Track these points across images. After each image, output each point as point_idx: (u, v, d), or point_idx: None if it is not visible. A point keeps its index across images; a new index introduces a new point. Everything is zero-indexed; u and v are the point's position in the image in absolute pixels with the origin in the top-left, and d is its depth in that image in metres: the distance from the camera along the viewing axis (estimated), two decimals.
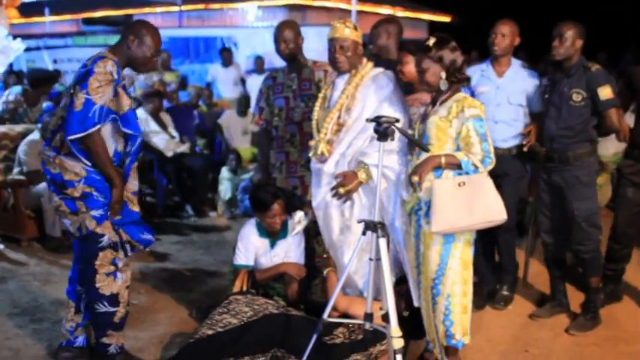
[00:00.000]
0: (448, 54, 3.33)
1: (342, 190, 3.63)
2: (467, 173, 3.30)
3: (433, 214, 3.26)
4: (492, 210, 3.29)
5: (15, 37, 5.79)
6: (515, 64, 4.44)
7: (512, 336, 4.17)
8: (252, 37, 11.58)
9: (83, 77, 3.31)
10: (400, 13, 16.37)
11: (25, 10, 5.80)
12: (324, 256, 3.98)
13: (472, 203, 3.25)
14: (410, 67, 3.87)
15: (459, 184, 3.28)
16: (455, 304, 3.36)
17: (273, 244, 4.17)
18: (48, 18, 14.70)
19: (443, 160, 3.30)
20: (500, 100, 4.34)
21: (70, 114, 3.31)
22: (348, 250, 3.70)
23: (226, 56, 10.55)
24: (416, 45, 3.94)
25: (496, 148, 3.61)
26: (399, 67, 3.92)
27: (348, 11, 11.65)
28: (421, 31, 16.96)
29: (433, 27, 17.16)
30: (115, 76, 3.31)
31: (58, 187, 3.42)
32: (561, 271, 4.47)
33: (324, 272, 3.92)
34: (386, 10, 15.75)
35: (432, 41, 3.34)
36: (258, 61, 10.20)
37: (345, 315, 3.66)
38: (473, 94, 4.32)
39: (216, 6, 14.98)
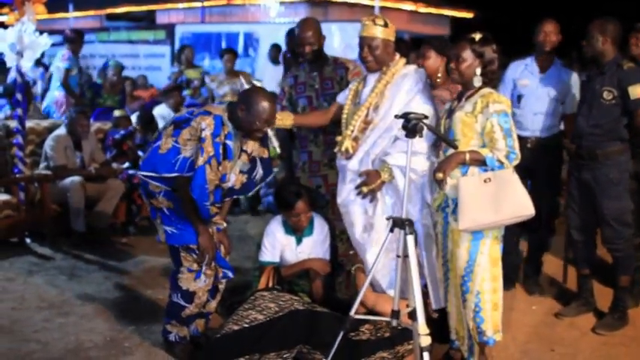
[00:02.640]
0: (490, 52, 3.35)
1: (365, 189, 3.63)
2: (492, 169, 3.28)
3: (460, 211, 3.25)
4: (519, 205, 3.27)
5: (42, 32, 5.83)
6: (557, 62, 4.67)
7: (537, 335, 4.15)
8: (273, 32, 11.55)
9: (179, 124, 3.43)
10: (422, 9, 16.22)
11: (49, 6, 5.82)
12: (350, 252, 3.97)
13: (498, 199, 3.23)
14: (431, 62, 3.87)
15: (485, 181, 3.26)
16: (485, 301, 3.34)
17: (299, 241, 4.17)
18: (71, 14, 14.80)
19: (467, 156, 3.29)
20: (540, 93, 4.57)
21: (153, 151, 3.46)
22: (371, 248, 3.68)
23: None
24: (439, 41, 3.96)
25: (536, 138, 4.16)
26: (421, 62, 3.90)
27: (371, 7, 11.60)
28: (443, 27, 16.82)
29: (455, 23, 17.01)
30: (204, 134, 3.32)
31: (146, 192, 3.59)
32: (589, 269, 4.42)
33: (352, 269, 3.91)
34: (408, 6, 15.61)
35: (478, 36, 3.37)
36: (274, 50, 9.44)
37: (371, 311, 3.65)
38: (515, 86, 4.62)
39: (239, 2, 15.00)
